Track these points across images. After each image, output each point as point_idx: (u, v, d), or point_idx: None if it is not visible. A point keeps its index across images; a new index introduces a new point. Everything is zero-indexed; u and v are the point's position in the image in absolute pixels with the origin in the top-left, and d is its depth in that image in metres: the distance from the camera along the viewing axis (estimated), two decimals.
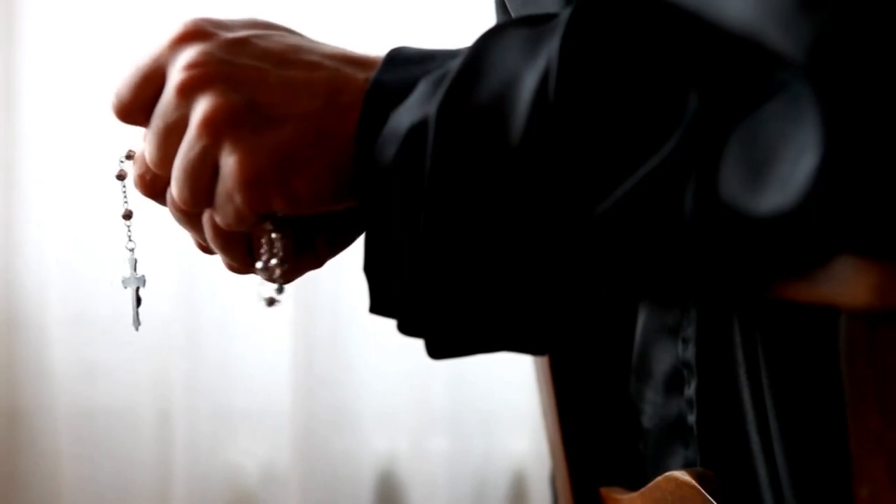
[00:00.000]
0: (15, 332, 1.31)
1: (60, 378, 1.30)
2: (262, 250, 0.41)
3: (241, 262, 0.43)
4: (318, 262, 0.45)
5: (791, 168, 0.29)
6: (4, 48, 1.31)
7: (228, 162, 0.39)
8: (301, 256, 0.44)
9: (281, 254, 0.41)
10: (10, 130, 1.32)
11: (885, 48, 0.28)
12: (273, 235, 0.41)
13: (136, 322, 0.48)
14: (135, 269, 0.48)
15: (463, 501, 1.35)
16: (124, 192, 0.46)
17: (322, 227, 0.44)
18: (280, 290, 0.42)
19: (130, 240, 0.47)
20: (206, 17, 0.42)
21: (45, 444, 1.31)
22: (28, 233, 1.32)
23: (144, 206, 0.47)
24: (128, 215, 0.47)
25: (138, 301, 0.48)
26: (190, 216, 0.43)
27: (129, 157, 0.45)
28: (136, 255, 0.48)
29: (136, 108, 0.42)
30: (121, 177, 0.46)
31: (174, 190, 0.42)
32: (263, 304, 0.42)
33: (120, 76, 0.43)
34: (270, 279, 0.42)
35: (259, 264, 0.42)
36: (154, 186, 0.43)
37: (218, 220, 0.41)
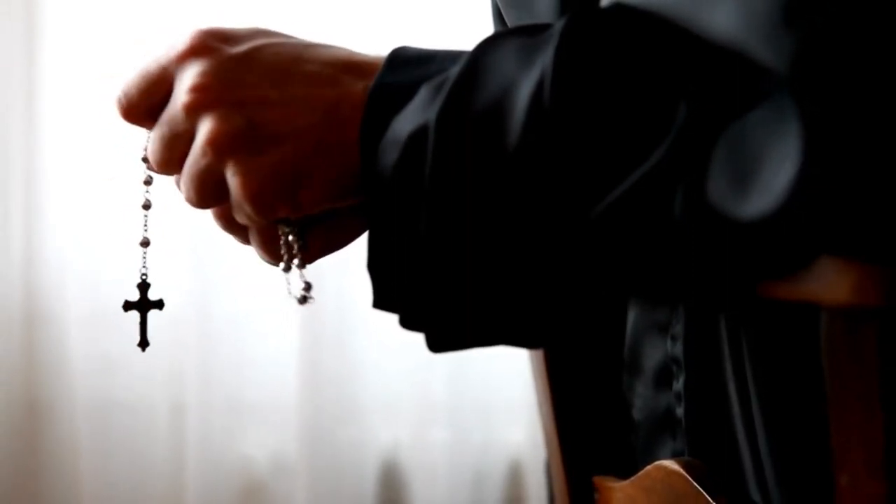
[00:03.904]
0: (35, 327, 1.30)
1: (78, 372, 1.29)
2: (282, 251, 0.43)
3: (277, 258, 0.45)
4: (309, 259, 0.45)
5: (774, 174, 0.30)
6: (26, 48, 1.30)
7: (233, 181, 0.41)
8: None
9: (298, 254, 0.43)
10: (30, 131, 1.31)
11: (863, 61, 0.30)
12: (290, 238, 0.43)
13: (144, 344, 0.49)
14: (146, 295, 0.48)
15: (462, 489, 1.36)
16: (146, 220, 0.47)
17: (318, 226, 0.45)
18: (308, 288, 0.44)
19: (144, 265, 0.48)
20: (210, 31, 0.43)
21: (63, 435, 1.30)
22: (47, 232, 1.31)
23: (158, 205, 0.48)
24: (145, 243, 0.48)
25: (145, 324, 0.49)
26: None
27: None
28: (149, 280, 0.48)
29: (142, 110, 0.44)
30: (146, 206, 0.47)
31: (183, 191, 0.44)
32: (296, 302, 0.44)
33: (126, 78, 0.45)
34: (301, 278, 0.44)
35: (282, 265, 0.43)
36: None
37: (237, 219, 0.43)
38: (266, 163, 0.41)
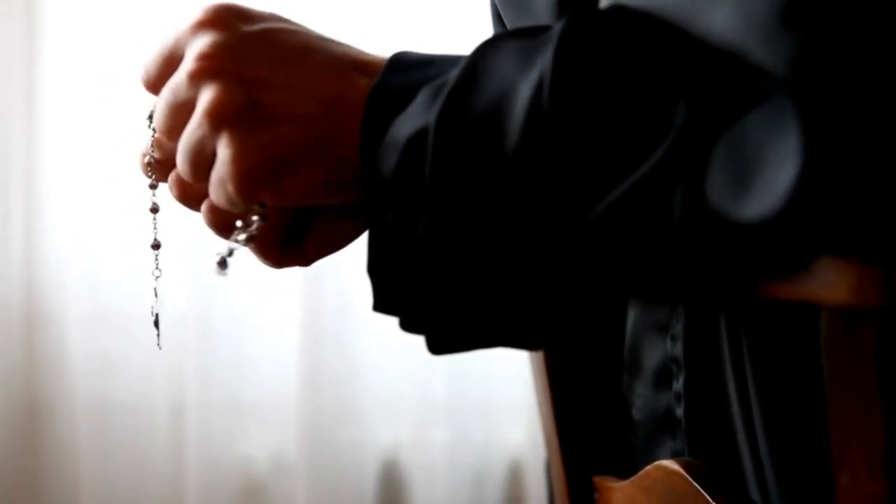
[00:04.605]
0: (35, 327, 1.31)
1: (78, 372, 1.30)
2: (239, 224, 0.42)
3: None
4: (306, 261, 0.46)
5: (774, 176, 0.30)
6: (26, 49, 1.31)
7: (224, 153, 0.41)
8: (288, 253, 0.45)
9: (254, 234, 0.42)
10: (30, 131, 1.31)
11: (862, 62, 0.30)
12: (254, 217, 0.42)
13: (159, 345, 0.49)
14: (157, 295, 0.48)
15: (462, 489, 1.36)
16: (155, 223, 0.47)
17: (317, 226, 0.45)
18: (230, 254, 0.42)
19: (157, 268, 0.48)
20: (229, 6, 0.43)
21: (63, 435, 1.30)
22: (47, 232, 1.31)
23: (161, 206, 0.48)
24: (156, 245, 0.48)
25: (157, 325, 0.49)
26: (190, 200, 0.45)
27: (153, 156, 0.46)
28: (160, 283, 0.48)
29: (160, 84, 0.44)
30: (154, 210, 0.47)
31: (178, 161, 0.43)
32: (215, 265, 0.43)
33: (149, 52, 0.45)
34: (231, 245, 0.43)
35: (232, 236, 0.42)
36: (162, 170, 0.46)
37: (212, 198, 0.42)
38: (260, 141, 0.40)
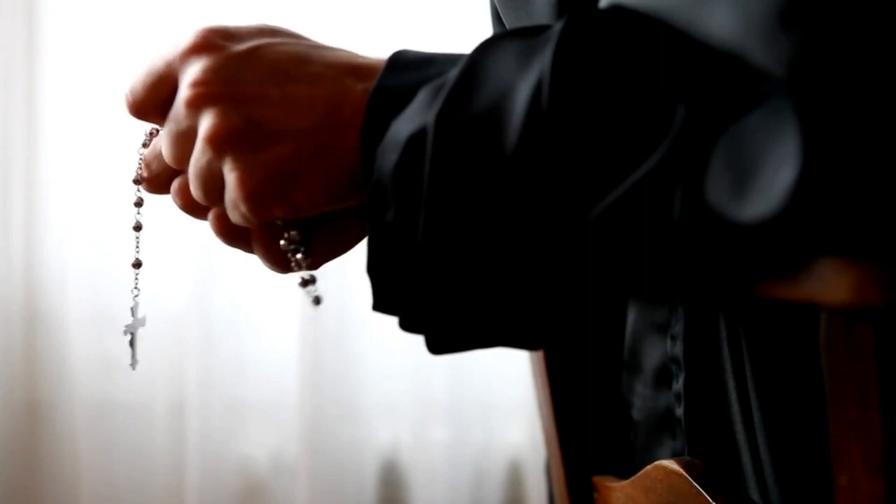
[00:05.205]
0: (35, 328, 1.31)
1: (79, 373, 1.30)
2: (285, 247, 0.43)
3: (249, 251, 0.45)
4: (313, 265, 0.45)
5: (772, 177, 0.30)
6: (26, 49, 1.31)
7: (230, 177, 0.41)
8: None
9: (302, 247, 0.43)
10: (30, 131, 1.32)
11: (861, 64, 0.29)
12: (291, 233, 0.43)
13: (134, 361, 0.49)
14: (135, 315, 0.48)
15: (462, 489, 1.37)
16: (137, 241, 0.48)
17: (320, 230, 0.45)
18: (312, 280, 0.43)
19: (136, 287, 0.48)
20: (215, 28, 0.43)
21: (64, 435, 1.31)
22: (48, 233, 1.32)
23: (161, 209, 0.49)
24: (137, 264, 0.48)
25: (133, 342, 0.49)
26: (195, 210, 0.45)
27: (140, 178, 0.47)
28: (140, 300, 0.48)
29: (149, 107, 0.45)
30: (137, 227, 0.48)
31: (192, 187, 0.44)
32: (311, 304, 0.44)
33: (133, 74, 0.45)
34: (301, 269, 0.44)
35: (292, 264, 0.43)
36: (159, 182, 0.46)
37: (231, 218, 0.43)
38: (263, 160, 0.41)
